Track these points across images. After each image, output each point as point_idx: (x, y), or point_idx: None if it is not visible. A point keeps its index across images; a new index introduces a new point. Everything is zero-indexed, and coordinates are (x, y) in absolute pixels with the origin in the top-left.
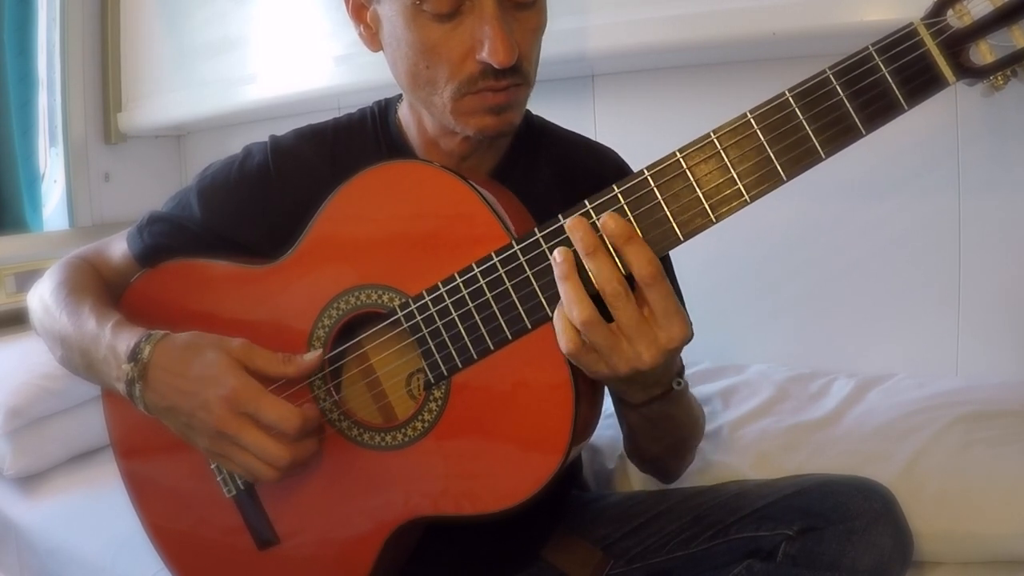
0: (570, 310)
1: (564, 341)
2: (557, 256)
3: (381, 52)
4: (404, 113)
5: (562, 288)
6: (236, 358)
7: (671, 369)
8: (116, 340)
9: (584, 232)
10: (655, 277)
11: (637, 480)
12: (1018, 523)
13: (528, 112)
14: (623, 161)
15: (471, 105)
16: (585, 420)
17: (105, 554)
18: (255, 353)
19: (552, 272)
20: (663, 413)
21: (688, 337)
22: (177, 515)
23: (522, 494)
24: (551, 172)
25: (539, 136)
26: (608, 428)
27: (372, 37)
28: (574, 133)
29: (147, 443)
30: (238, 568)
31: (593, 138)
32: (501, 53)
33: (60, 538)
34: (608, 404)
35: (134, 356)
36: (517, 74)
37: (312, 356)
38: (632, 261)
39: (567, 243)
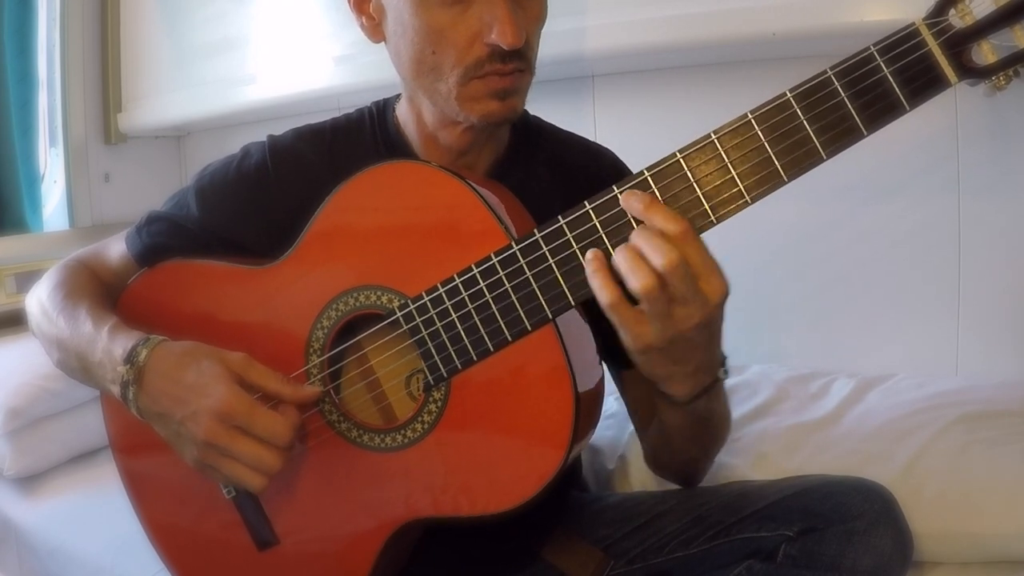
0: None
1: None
2: (589, 255)
3: (381, 51)
4: (402, 111)
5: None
6: (232, 370)
7: (717, 351)
8: (112, 343)
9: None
10: (687, 233)
11: (637, 480)
12: (1018, 523)
13: (525, 112)
14: (620, 161)
15: (477, 90)
16: (585, 420)
17: (105, 554)
18: (253, 367)
19: (551, 273)
20: (708, 409)
21: (727, 290)
22: (176, 515)
23: (523, 495)
24: (549, 171)
25: (537, 136)
26: (608, 428)
27: (375, 28)
28: (571, 133)
29: (146, 445)
30: (237, 568)
31: (592, 139)
32: (510, 35)
33: (60, 538)
34: (608, 405)
35: (130, 359)
36: (522, 59)
37: (312, 389)
38: (660, 225)
39: (567, 244)
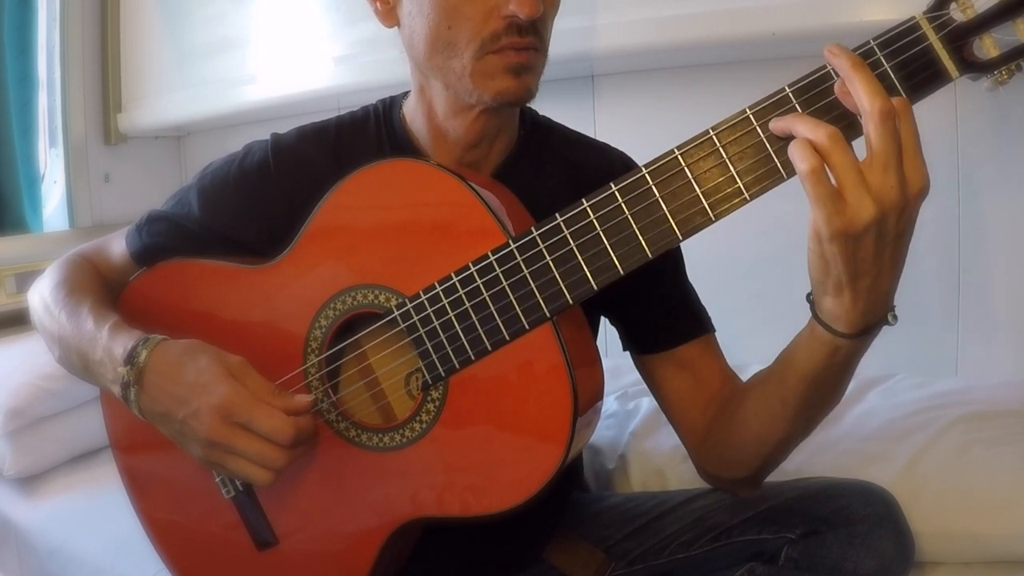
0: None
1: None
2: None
3: (381, 51)
4: (410, 107)
5: (859, 80)
6: (230, 372)
7: (895, 280)
8: (113, 342)
9: (843, 52)
10: (908, 109)
11: (637, 480)
12: (1018, 523)
13: (533, 111)
14: (630, 159)
15: (493, 65)
16: (585, 418)
17: (105, 554)
18: (249, 375)
19: (549, 272)
20: (852, 358)
21: (927, 185)
22: (176, 515)
23: (523, 493)
24: (557, 170)
25: (546, 134)
26: (608, 428)
27: (388, 12)
28: (580, 133)
29: (146, 444)
30: (237, 568)
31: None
32: (528, 4)
33: (60, 538)
34: (608, 405)
35: (130, 359)
36: (537, 36)
37: (304, 398)
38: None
39: (564, 242)
